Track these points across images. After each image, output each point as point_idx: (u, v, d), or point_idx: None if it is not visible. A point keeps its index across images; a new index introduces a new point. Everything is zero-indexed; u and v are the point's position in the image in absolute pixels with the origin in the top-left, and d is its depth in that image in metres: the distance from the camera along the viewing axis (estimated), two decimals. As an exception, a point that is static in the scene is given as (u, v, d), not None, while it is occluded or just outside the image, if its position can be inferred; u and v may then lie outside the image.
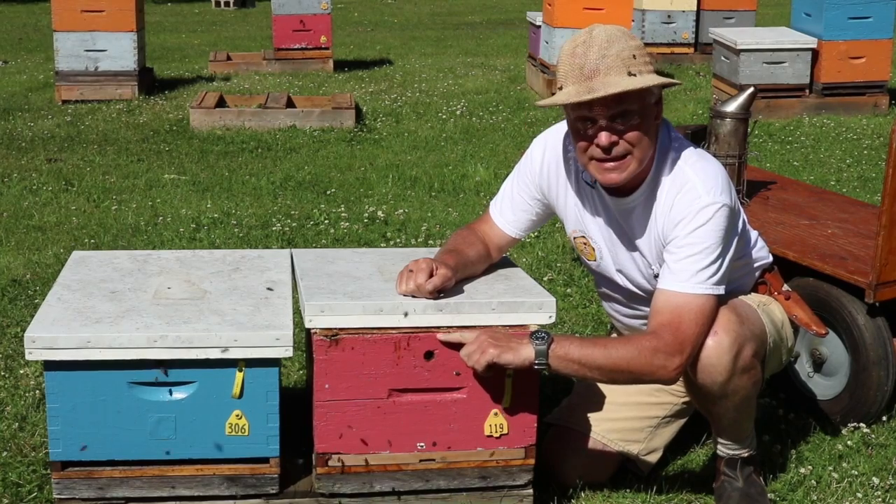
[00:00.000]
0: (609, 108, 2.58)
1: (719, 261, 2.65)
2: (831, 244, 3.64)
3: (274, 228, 5.42)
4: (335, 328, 2.63)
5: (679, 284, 2.64)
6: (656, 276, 2.76)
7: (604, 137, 2.62)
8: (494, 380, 2.69)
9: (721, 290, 2.67)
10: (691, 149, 2.75)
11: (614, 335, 3.28)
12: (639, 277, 2.85)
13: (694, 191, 2.65)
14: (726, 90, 8.39)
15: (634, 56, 2.58)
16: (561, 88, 2.62)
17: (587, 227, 2.87)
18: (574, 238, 2.94)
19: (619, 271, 2.88)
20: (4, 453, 3.14)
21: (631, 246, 2.81)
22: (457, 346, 2.66)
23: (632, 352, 2.60)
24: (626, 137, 2.62)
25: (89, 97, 8.76)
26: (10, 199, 6.02)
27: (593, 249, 2.89)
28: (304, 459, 2.80)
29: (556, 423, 3.09)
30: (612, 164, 2.65)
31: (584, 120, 2.63)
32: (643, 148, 2.65)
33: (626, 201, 2.76)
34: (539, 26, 9.49)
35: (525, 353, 2.59)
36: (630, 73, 2.56)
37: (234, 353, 2.57)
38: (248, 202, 5.99)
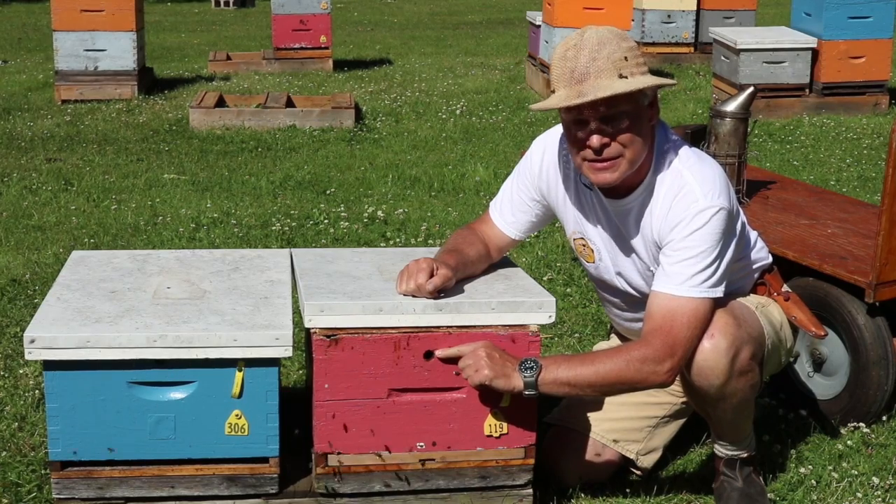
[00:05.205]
0: (600, 111, 2.58)
1: (715, 263, 2.64)
2: (831, 244, 3.64)
3: (273, 228, 5.42)
4: (335, 328, 2.63)
5: (673, 287, 2.63)
6: (655, 278, 2.75)
7: (595, 140, 2.62)
8: (494, 380, 2.69)
9: (718, 292, 2.66)
10: (690, 150, 2.74)
11: (613, 336, 3.28)
12: (638, 279, 2.84)
13: (692, 194, 2.64)
14: (726, 90, 8.39)
15: (626, 58, 2.56)
16: (554, 91, 2.62)
17: (586, 229, 2.87)
18: (573, 240, 2.94)
19: (619, 274, 2.88)
20: (4, 453, 3.14)
21: (629, 248, 2.81)
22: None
23: (620, 364, 2.61)
24: (618, 139, 2.61)
25: (89, 97, 8.76)
26: (9, 198, 6.02)
27: (592, 251, 2.89)
28: (303, 459, 2.80)
29: (556, 423, 3.09)
30: (603, 164, 2.65)
31: (577, 122, 2.62)
32: (635, 149, 2.64)
33: (623, 203, 2.75)
34: (539, 26, 9.49)
35: (515, 381, 2.62)
36: (621, 76, 2.55)
37: (233, 353, 2.57)
38: (247, 202, 5.99)
